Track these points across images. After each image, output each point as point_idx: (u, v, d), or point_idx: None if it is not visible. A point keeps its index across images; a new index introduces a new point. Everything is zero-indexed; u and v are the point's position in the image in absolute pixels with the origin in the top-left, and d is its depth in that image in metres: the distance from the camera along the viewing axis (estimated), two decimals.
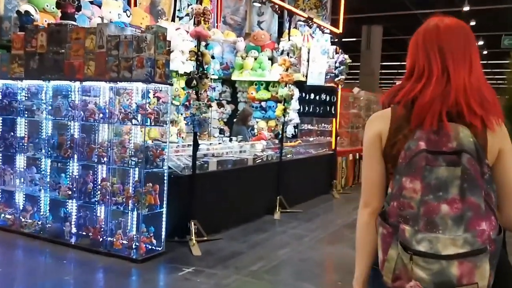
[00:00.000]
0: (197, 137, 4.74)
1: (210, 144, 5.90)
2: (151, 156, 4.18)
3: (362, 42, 20.01)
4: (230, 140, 6.33)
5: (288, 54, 6.25)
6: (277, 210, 6.06)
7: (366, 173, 1.37)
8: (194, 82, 4.53)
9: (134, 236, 4.16)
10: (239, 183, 5.46)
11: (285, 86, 6.22)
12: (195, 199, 4.69)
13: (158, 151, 4.24)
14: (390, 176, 1.30)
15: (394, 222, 1.19)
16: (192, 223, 4.60)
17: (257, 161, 5.86)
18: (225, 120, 8.69)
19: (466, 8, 15.18)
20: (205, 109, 4.59)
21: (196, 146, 4.69)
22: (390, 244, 1.19)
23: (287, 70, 6.25)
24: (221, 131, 8.46)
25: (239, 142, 6.32)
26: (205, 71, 4.63)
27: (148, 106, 4.11)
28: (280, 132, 6.56)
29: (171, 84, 4.40)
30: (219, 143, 6.11)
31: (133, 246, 4.14)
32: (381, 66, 21.72)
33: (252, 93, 8.33)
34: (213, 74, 7.98)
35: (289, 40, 6.25)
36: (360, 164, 9.13)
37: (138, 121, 4.12)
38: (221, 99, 8.65)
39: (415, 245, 1.13)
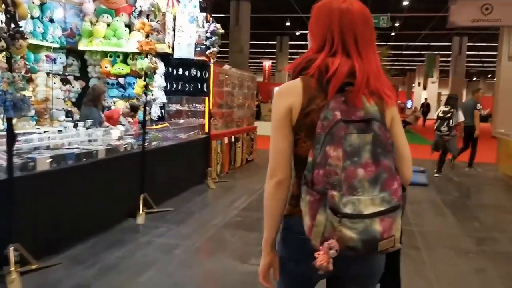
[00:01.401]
0: (20, 125, 3.28)
1: (44, 132, 4.39)
2: None
3: (230, 18, 19.25)
4: (75, 126, 4.88)
5: (148, 17, 4.97)
6: (141, 212, 4.85)
7: (275, 145, 1.41)
8: (3, 44, 3.05)
9: None
10: (86, 183, 4.12)
11: (146, 57, 4.95)
12: (15, 213, 3.27)
13: None
14: (303, 144, 1.37)
15: (320, 189, 1.24)
16: (11, 248, 3.20)
17: (112, 153, 4.55)
18: (73, 100, 7.06)
19: None
20: (22, 85, 3.15)
21: (12, 138, 3.24)
22: (317, 210, 1.24)
23: (147, 36, 4.97)
24: (68, 114, 6.83)
25: (87, 128, 4.90)
26: (20, 29, 3.17)
27: None
28: (141, 112, 5.31)
29: None
30: (59, 131, 4.62)
31: None
32: (250, 45, 21.34)
33: (106, 67, 6.84)
34: (52, 42, 6.32)
35: None
36: (236, 147, 8.30)
37: None
38: (66, 73, 6.98)
39: (342, 208, 1.21)
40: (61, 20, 6.74)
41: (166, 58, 6.91)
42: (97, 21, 6.76)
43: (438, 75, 35.07)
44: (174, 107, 7.17)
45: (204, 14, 6.86)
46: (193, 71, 7.16)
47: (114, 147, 4.60)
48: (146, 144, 5.18)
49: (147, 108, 5.17)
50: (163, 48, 6.58)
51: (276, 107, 1.39)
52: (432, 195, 6.82)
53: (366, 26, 1.38)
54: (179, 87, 7.21)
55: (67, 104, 6.97)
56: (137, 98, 4.96)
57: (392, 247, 1.27)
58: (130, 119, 6.44)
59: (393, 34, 23.37)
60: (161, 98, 6.85)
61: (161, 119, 6.99)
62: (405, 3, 17.18)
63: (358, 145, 1.24)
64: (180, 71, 7.19)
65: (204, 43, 6.77)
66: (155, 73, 5.05)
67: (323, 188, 1.23)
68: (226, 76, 8.31)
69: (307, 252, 1.27)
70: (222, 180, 7.18)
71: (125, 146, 4.80)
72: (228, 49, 19.94)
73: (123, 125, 5.97)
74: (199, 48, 6.82)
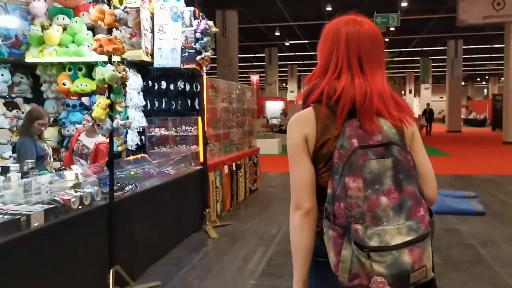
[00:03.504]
0: None
1: None
2: None
3: (217, 29, 17.79)
4: (4, 171, 3.19)
5: (109, 3, 3.35)
6: None
7: (296, 175, 1.35)
8: None
9: None
10: (9, 273, 2.43)
11: (109, 62, 3.31)
12: None
13: None
14: (323, 175, 1.31)
15: (343, 223, 1.19)
16: None
17: (59, 214, 2.87)
18: None
19: None
20: None
21: None
22: (341, 245, 1.19)
23: (110, 32, 3.34)
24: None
25: (25, 173, 3.22)
26: None
27: None
28: (108, 143, 3.63)
29: None
30: None
31: None
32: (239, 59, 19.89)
33: (64, 84, 5.18)
34: None
35: None
36: (238, 177, 6.65)
37: None
38: (13, 95, 5.30)
39: (368, 242, 1.15)
40: (2, 26, 5.10)
41: (144, 68, 5.31)
42: (50, 25, 5.12)
43: (431, 81, 34.09)
44: (158, 132, 5.50)
45: (192, 8, 5.28)
46: (181, 84, 5.54)
47: (62, 205, 2.91)
48: (117, 190, 3.52)
49: (116, 137, 3.51)
50: (140, 55, 4.99)
51: (291, 138, 1.35)
52: (503, 230, 5.22)
53: (374, 45, 1.34)
54: (163, 106, 5.57)
55: (15, 136, 5.28)
56: (98, 125, 3.29)
57: (424, 278, 1.20)
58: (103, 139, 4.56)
59: (387, 39, 22.14)
60: (140, 121, 5.25)
61: (140, 148, 5.34)
62: (404, 4, 15.82)
63: (378, 171, 1.18)
64: (164, 84, 5.56)
65: (193, 46, 5.17)
66: (124, 86, 3.40)
67: (346, 222, 1.18)
68: (218, 89, 6.68)
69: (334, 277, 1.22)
70: (225, 224, 5.49)
71: (81, 199, 3.12)
72: (215, 64, 18.48)
73: (81, 159, 4.28)
74: (186, 54, 5.22)
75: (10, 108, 5.19)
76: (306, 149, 1.32)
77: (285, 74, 34.86)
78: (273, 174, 9.49)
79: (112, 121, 3.28)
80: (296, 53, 28.52)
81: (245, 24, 19.35)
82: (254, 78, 31.29)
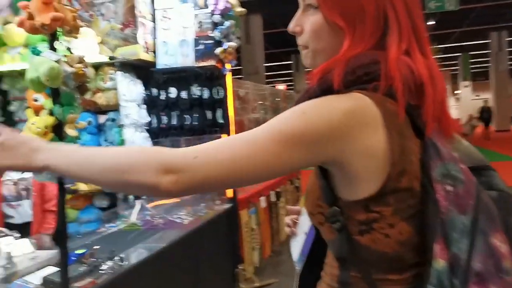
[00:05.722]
0: None
1: None
2: None
3: (240, 35, 16.48)
4: None
5: None
6: None
7: (266, 160, 0.70)
8: None
9: None
10: None
11: (50, 47, 1.83)
12: None
13: None
14: (387, 231, 0.70)
15: None
16: None
17: None
18: None
19: None
20: None
21: None
22: None
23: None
24: None
25: None
26: None
27: None
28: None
29: None
30: None
31: None
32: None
33: (37, 100, 3.73)
34: None
35: None
36: (279, 210, 5.06)
37: None
38: None
39: None
40: None
41: (144, 71, 3.83)
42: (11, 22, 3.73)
43: (470, 78, 31.89)
44: None
45: None
46: (196, 90, 3.99)
47: None
48: (83, 274, 2.00)
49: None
50: (136, 52, 3.53)
51: (327, 118, 0.69)
52: None
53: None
54: (174, 122, 4.02)
55: None
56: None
57: None
58: None
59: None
60: (142, 144, 3.75)
61: None
62: None
63: None
64: (173, 92, 4.03)
65: (210, 35, 3.67)
66: (82, 91, 1.90)
67: None
68: (246, 94, 5.16)
69: None
70: (266, 283, 3.89)
71: None
72: (241, 76, 17.17)
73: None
74: (202, 46, 3.72)
75: None
76: (327, 151, 0.70)
77: None
78: None
79: None
80: None
81: (269, 30, 18.05)
82: (281, 87, 29.90)
